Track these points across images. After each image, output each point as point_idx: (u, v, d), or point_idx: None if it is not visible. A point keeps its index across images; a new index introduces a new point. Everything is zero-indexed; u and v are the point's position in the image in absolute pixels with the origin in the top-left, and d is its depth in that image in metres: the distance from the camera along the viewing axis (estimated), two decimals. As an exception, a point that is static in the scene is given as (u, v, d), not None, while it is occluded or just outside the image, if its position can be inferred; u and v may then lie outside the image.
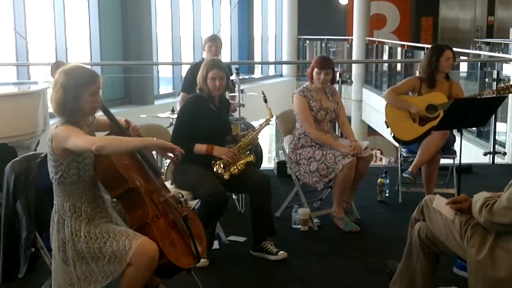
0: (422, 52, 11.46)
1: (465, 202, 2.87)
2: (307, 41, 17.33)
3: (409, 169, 4.91)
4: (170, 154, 2.82)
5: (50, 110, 2.79)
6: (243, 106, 5.34)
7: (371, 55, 15.20)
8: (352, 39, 15.54)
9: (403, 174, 4.98)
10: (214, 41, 5.42)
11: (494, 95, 4.69)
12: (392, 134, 5.06)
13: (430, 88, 4.97)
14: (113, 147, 2.68)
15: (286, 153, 4.72)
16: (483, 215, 2.70)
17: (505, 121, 7.40)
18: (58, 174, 2.73)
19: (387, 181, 5.34)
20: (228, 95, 5.20)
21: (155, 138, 2.86)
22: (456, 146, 4.91)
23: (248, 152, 4.06)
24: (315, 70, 4.56)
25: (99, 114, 2.97)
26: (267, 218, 4.00)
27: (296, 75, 16.92)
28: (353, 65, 14.98)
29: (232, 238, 4.33)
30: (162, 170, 4.51)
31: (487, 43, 15.57)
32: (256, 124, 4.45)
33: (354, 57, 15.22)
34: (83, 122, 2.82)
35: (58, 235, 2.76)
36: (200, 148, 3.92)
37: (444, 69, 4.92)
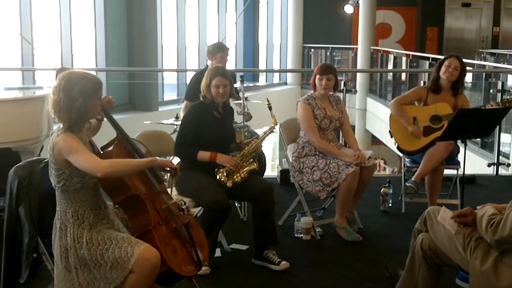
0: (427, 62, 11.46)
1: (469, 216, 2.86)
2: (312, 50, 17.34)
3: (413, 178, 4.90)
4: (168, 169, 2.94)
5: (52, 114, 2.78)
6: (251, 118, 5.34)
7: (376, 64, 15.19)
8: (357, 48, 15.55)
9: (406, 183, 4.97)
10: (226, 51, 5.36)
11: (499, 107, 4.68)
12: (396, 144, 5.05)
13: (434, 94, 4.96)
14: (119, 173, 2.72)
15: (289, 161, 4.72)
16: (489, 235, 2.69)
17: (510, 132, 7.39)
18: (60, 183, 2.72)
19: (391, 191, 5.32)
20: (234, 103, 5.20)
21: (158, 158, 2.92)
22: (460, 157, 4.90)
23: (252, 160, 4.06)
24: (317, 76, 4.58)
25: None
26: (269, 226, 3.99)
27: (301, 83, 16.91)
28: (358, 74, 14.96)
29: (234, 246, 4.33)
30: (165, 177, 4.50)
31: (492, 54, 15.56)
32: (260, 132, 4.45)
33: (358, 66, 15.22)
34: (84, 126, 2.82)
35: (60, 242, 2.75)
36: (203, 155, 3.92)
37: (442, 74, 4.91)
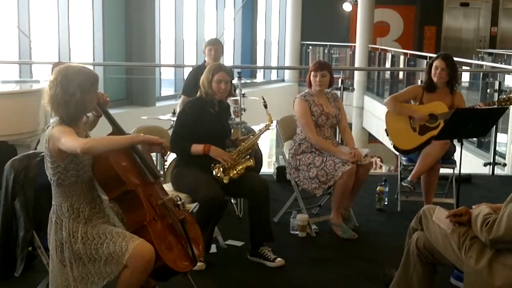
0: (425, 61, 11.47)
1: (465, 215, 2.87)
2: (310, 47, 17.33)
3: (409, 178, 4.91)
4: (157, 147, 2.84)
5: (48, 109, 2.77)
6: (244, 111, 5.34)
7: (374, 62, 15.20)
8: (355, 46, 15.54)
9: (403, 183, 4.97)
10: (214, 45, 5.36)
11: (496, 106, 4.69)
12: (392, 143, 5.06)
13: (429, 93, 4.97)
14: (101, 148, 2.64)
15: (286, 158, 4.72)
16: (483, 235, 2.70)
17: (506, 132, 7.40)
18: (56, 176, 2.72)
19: (386, 189, 5.33)
20: (230, 99, 5.20)
21: (142, 134, 2.85)
22: (456, 156, 4.90)
23: (248, 156, 4.06)
24: (312, 73, 4.59)
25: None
26: (265, 223, 4.00)
27: (298, 80, 16.91)
28: (355, 72, 14.97)
29: (229, 242, 4.33)
30: (161, 173, 4.51)
31: (490, 54, 15.59)
32: (257, 128, 4.45)
33: (356, 64, 15.22)
34: (81, 120, 2.82)
35: (56, 236, 2.75)
36: (197, 148, 3.91)
37: (433, 76, 4.92)
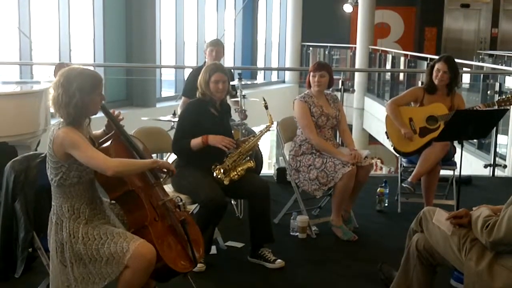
0: (425, 62, 11.47)
1: (465, 217, 2.86)
2: (311, 48, 17.34)
3: (409, 179, 4.91)
4: (165, 170, 2.95)
5: (52, 110, 2.79)
6: (245, 112, 5.34)
7: (374, 63, 15.20)
8: (355, 47, 15.55)
9: (403, 184, 4.97)
10: (215, 46, 5.40)
11: (496, 108, 4.69)
12: (393, 146, 5.05)
13: (430, 94, 4.97)
14: (127, 172, 2.79)
15: (286, 159, 4.72)
16: (484, 237, 2.70)
17: (506, 134, 7.40)
18: (58, 176, 2.73)
19: (387, 190, 5.33)
20: (231, 100, 5.20)
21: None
22: (457, 158, 4.90)
23: (248, 158, 4.06)
24: (311, 74, 4.60)
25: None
26: (265, 224, 4.00)
27: (299, 81, 16.92)
28: (356, 74, 14.95)
29: (230, 243, 4.33)
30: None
31: (490, 55, 15.59)
32: (257, 129, 4.45)
33: (357, 66, 15.23)
34: (83, 122, 2.83)
35: (56, 237, 2.76)
36: (195, 142, 3.90)
37: (434, 79, 4.92)
